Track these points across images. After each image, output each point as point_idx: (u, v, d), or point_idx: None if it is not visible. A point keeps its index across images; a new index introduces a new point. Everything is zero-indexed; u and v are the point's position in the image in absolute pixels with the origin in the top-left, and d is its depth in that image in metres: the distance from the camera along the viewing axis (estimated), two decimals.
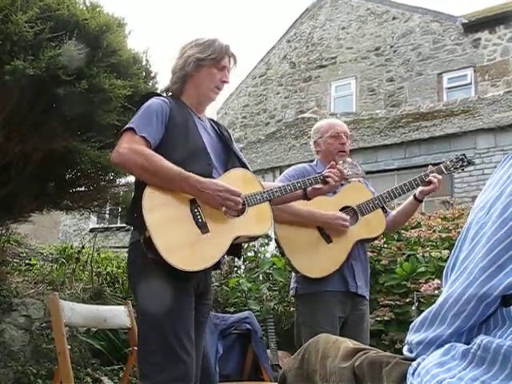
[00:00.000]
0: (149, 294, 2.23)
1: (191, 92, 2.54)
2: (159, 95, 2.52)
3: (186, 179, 2.25)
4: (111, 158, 2.31)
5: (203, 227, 2.28)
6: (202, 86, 2.53)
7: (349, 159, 2.94)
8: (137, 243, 2.27)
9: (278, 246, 3.19)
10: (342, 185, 3.23)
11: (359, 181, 3.30)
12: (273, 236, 5.82)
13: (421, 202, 3.32)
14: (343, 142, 3.29)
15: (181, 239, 2.23)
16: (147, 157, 2.23)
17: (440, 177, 3.20)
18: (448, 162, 3.30)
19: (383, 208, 3.29)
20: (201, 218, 2.29)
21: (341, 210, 3.18)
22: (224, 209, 2.32)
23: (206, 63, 2.50)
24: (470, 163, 3.31)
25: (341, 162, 2.88)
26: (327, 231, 3.12)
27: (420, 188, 3.23)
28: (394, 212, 3.42)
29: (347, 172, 2.81)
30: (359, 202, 3.19)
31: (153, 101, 2.42)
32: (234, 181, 2.44)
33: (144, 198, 2.20)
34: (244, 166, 2.59)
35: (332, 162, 2.82)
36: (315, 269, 3.08)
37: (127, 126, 2.33)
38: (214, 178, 2.37)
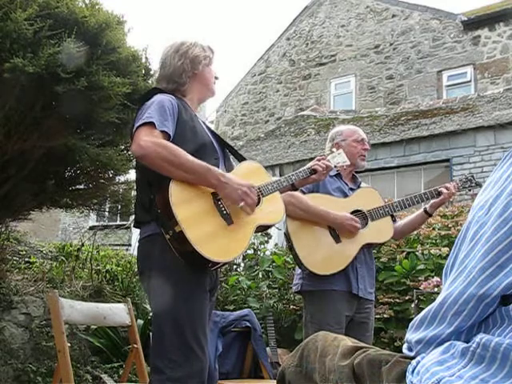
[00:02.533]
0: (167, 289, 2.22)
1: (197, 90, 2.61)
2: (163, 92, 2.51)
3: (210, 172, 2.28)
4: (132, 150, 2.28)
5: (228, 219, 2.33)
6: (209, 83, 2.64)
7: (334, 149, 3.10)
8: (154, 236, 2.27)
9: (288, 240, 3.24)
10: (352, 190, 3.40)
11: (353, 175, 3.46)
12: (273, 234, 5.85)
13: (430, 215, 3.44)
14: (366, 147, 3.44)
15: (210, 232, 2.27)
16: (172, 150, 2.22)
17: (451, 188, 3.32)
18: (457, 180, 3.44)
19: (392, 216, 3.39)
20: (225, 210, 2.33)
21: (352, 212, 3.26)
22: (242, 204, 2.33)
23: (207, 62, 2.62)
24: (477, 184, 3.42)
25: (328, 152, 3.05)
26: (337, 231, 3.21)
27: (431, 201, 3.36)
28: (402, 222, 3.52)
29: (337, 162, 2.95)
30: (370, 207, 3.29)
31: (162, 97, 2.41)
32: (247, 172, 2.57)
33: (171, 193, 2.20)
34: (240, 156, 2.74)
35: (319, 156, 2.93)
36: (321, 266, 3.15)
37: (145, 120, 2.29)
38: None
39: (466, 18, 13.44)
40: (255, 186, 2.45)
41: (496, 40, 13.08)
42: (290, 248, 3.24)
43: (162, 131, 2.28)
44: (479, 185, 3.41)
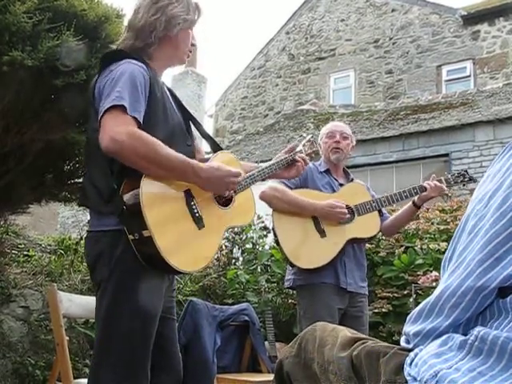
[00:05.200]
0: (124, 295, 2.00)
1: (167, 55, 2.28)
2: (132, 57, 2.13)
3: (189, 168, 2.04)
4: (102, 143, 1.92)
5: (199, 222, 2.12)
6: (179, 50, 2.29)
7: (307, 135, 2.99)
8: (115, 232, 2.01)
9: (275, 234, 3.28)
10: (342, 185, 3.41)
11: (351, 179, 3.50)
12: (271, 227, 5.86)
13: (419, 208, 3.41)
14: (336, 139, 3.42)
15: (180, 238, 2.06)
16: (150, 145, 1.94)
17: (435, 183, 3.28)
18: (449, 176, 3.39)
19: (380, 211, 3.39)
20: (197, 212, 2.12)
21: None
22: (228, 193, 2.19)
23: (187, 25, 2.26)
24: (471, 179, 3.37)
25: (304, 135, 3.01)
26: (322, 225, 3.21)
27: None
28: (392, 217, 3.51)
29: (307, 150, 2.82)
30: (357, 202, 3.29)
31: (132, 68, 2.06)
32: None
33: (142, 192, 1.94)
34: (207, 136, 2.49)
35: (292, 145, 2.76)
36: (305, 259, 3.18)
37: (116, 102, 1.96)
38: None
39: (465, 13, 13.43)
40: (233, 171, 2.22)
41: (496, 35, 13.06)
42: (277, 243, 3.28)
43: (133, 117, 1.97)
44: (473, 180, 3.38)
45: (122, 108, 1.96)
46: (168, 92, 2.31)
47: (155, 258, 1.96)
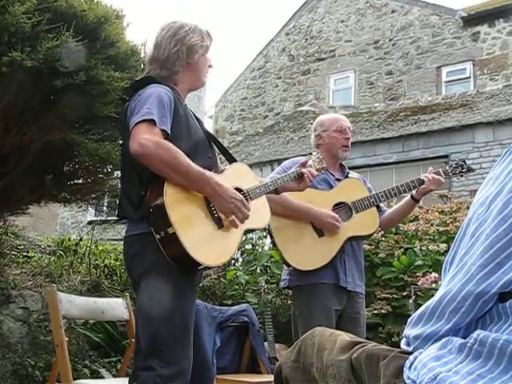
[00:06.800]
0: (161, 289, 2.21)
1: (189, 80, 2.54)
2: (157, 81, 2.41)
3: (206, 180, 2.25)
4: (131, 148, 2.17)
5: (219, 222, 2.32)
6: (200, 74, 2.57)
7: (314, 152, 3.05)
8: (146, 235, 2.22)
9: (271, 236, 3.22)
10: (338, 180, 3.32)
11: (358, 178, 3.41)
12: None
13: (417, 201, 3.34)
14: (348, 137, 3.32)
15: (202, 235, 2.27)
16: (173, 153, 2.17)
17: (433, 175, 3.20)
18: (447, 167, 3.31)
19: (378, 206, 3.31)
20: (216, 214, 2.32)
21: (336, 205, 3.21)
22: (232, 217, 2.31)
23: (204, 51, 2.55)
24: (469, 170, 3.30)
25: (314, 153, 3.01)
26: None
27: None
28: (389, 210, 3.44)
29: (316, 166, 2.91)
30: (355, 198, 3.21)
31: (159, 90, 2.32)
32: (237, 175, 2.54)
33: (166, 193, 2.17)
34: (225, 150, 2.69)
35: (304, 159, 2.90)
36: (304, 261, 3.12)
37: (146, 116, 2.21)
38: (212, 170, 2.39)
39: (465, 14, 13.44)
40: (244, 189, 2.45)
41: (495, 36, 13.08)
42: (274, 244, 3.22)
43: (162, 130, 2.22)
44: (471, 170, 3.31)
45: (152, 122, 2.21)
46: (191, 112, 2.55)
47: (180, 253, 2.16)
